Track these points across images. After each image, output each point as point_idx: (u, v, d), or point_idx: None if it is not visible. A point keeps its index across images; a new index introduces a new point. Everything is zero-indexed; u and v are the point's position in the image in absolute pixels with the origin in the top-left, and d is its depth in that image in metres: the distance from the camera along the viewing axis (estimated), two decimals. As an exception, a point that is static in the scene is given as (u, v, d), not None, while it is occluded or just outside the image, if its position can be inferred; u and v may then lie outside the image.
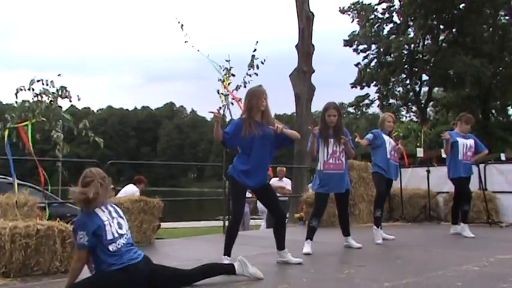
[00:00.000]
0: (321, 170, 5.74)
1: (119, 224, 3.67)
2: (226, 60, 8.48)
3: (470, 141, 7.19)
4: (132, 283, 3.55)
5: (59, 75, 5.91)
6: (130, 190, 9.37)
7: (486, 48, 28.65)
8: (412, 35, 31.26)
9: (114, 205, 3.80)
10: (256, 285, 3.96)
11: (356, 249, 5.88)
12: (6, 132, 5.31)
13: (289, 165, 16.68)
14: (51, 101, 5.98)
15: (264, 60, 8.73)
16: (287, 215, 12.68)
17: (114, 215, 3.67)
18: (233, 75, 8.32)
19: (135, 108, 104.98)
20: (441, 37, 31.37)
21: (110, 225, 3.58)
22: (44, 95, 6.13)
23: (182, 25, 8.72)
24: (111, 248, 3.52)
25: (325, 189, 5.73)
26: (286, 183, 11.44)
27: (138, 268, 3.59)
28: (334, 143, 5.69)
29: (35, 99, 6.04)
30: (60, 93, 5.87)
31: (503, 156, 12.58)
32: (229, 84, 8.04)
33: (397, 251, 5.81)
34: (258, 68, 8.71)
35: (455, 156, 7.10)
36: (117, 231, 3.60)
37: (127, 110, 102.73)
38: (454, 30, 30.67)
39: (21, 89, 5.92)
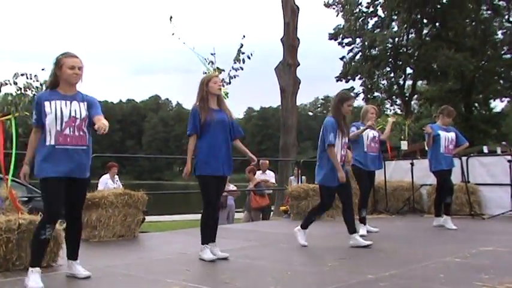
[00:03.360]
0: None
1: None
2: (212, 54, 8.44)
3: (452, 134, 7.25)
4: None
5: (42, 69, 5.80)
6: (103, 181, 9.83)
7: (468, 42, 28.92)
8: (396, 28, 31.42)
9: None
10: (240, 278, 3.96)
11: (339, 243, 5.89)
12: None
13: (274, 158, 16.70)
14: (34, 94, 5.87)
15: (251, 54, 8.70)
16: (272, 208, 12.75)
17: None
18: (219, 69, 8.27)
19: (120, 101, 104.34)
20: (424, 31, 31.57)
21: None
22: (27, 89, 6.02)
23: (171, 17, 8.64)
24: None
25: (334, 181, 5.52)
26: (270, 176, 11.45)
27: None
28: (345, 134, 5.61)
29: (18, 92, 5.93)
30: (44, 87, 5.77)
31: (485, 149, 12.73)
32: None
33: (381, 244, 5.85)
34: (244, 62, 8.68)
35: (437, 150, 7.15)
36: None
37: (111, 102, 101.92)
38: (437, 24, 30.88)
39: (6, 83, 5.81)
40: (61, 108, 3.89)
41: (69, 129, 3.89)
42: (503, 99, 34.11)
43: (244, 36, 8.87)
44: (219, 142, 4.77)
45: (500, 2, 29.67)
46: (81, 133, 3.96)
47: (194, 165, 4.82)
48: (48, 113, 3.85)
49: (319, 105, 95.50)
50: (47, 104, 3.88)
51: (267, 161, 11.97)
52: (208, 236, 4.82)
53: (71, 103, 3.95)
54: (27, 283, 3.71)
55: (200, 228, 4.86)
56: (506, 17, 30.28)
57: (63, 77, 3.97)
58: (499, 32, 30.05)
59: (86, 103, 4.02)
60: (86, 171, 4.02)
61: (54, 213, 3.87)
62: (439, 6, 29.88)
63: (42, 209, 3.96)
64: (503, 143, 14.11)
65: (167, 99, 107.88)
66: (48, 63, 4.09)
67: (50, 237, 3.89)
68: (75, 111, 3.94)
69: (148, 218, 9.26)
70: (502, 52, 30.41)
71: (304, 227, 5.69)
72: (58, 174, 3.82)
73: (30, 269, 3.78)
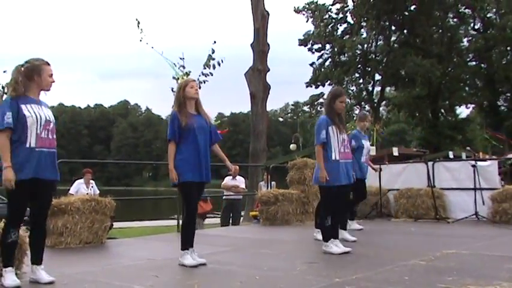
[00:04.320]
0: (335, 159, 5.41)
1: None
2: (181, 58, 8.44)
3: (368, 143, 7.42)
4: None
5: (4, 71, 5.70)
6: (76, 186, 9.75)
7: (435, 49, 29.64)
8: (365, 35, 31.97)
9: None
10: (208, 284, 3.96)
11: (309, 247, 5.95)
12: None
13: (245, 163, 16.72)
14: (-4, 97, 5.76)
15: (222, 60, 8.71)
16: (242, 213, 12.76)
17: None
18: (187, 73, 8.27)
19: (88, 106, 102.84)
20: (393, 38, 32.22)
21: None
22: (-11, 92, 5.90)
23: (139, 22, 8.61)
24: None
25: (337, 180, 5.40)
26: (240, 181, 11.45)
27: None
28: (341, 130, 5.51)
29: (-21, 95, 5.81)
30: (5, 90, 5.66)
31: (451, 154, 13.06)
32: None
33: (349, 247, 5.91)
34: (214, 68, 8.68)
35: (358, 158, 7.12)
36: None
37: (79, 107, 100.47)
38: (405, 31, 31.56)
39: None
40: (38, 112, 3.92)
41: (45, 132, 3.93)
42: (469, 105, 35.07)
43: (215, 42, 8.89)
44: (201, 148, 4.74)
45: (466, 10, 30.55)
46: (54, 136, 4.03)
47: (176, 172, 4.71)
48: (28, 116, 3.84)
49: (289, 111, 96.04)
50: (23, 107, 3.86)
51: (237, 167, 11.95)
52: (189, 241, 4.78)
53: (43, 107, 4.00)
54: (3, 282, 3.82)
55: (181, 234, 4.82)
56: (472, 24, 31.18)
57: (42, 84, 3.99)
58: (465, 40, 30.97)
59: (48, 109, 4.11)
60: (57, 172, 4.07)
61: (21, 217, 3.90)
62: (406, 13, 30.55)
63: (4, 214, 3.91)
64: (468, 148, 14.47)
65: (136, 104, 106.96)
66: (11, 66, 4.02)
67: (16, 239, 3.93)
68: (48, 115, 4.00)
69: (117, 224, 9.15)
70: (468, 59, 31.30)
71: (325, 239, 5.48)
72: (31, 176, 3.81)
73: (4, 269, 3.88)
